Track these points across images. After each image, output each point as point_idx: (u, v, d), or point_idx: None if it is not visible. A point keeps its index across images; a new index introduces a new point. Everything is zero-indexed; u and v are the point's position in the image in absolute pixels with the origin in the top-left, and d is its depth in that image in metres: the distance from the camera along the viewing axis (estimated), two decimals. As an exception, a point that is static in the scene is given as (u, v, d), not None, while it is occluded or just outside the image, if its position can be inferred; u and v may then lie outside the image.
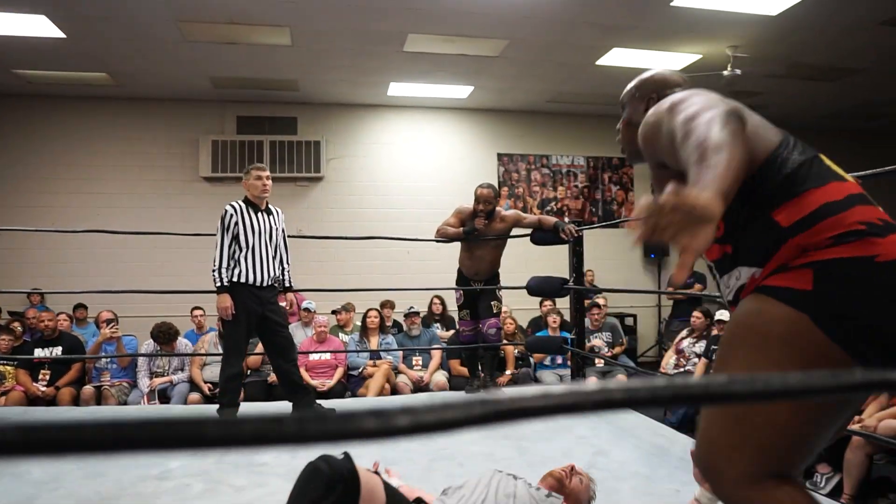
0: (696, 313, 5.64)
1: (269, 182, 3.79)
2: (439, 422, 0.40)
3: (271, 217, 3.85)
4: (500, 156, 8.62)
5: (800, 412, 1.09)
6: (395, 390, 5.32)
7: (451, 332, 7.24)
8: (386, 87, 7.60)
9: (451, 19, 5.72)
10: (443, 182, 8.40)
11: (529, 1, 5.35)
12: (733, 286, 1.29)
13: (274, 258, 3.81)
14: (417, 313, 6.06)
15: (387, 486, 1.85)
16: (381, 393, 5.08)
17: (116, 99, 7.63)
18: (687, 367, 5.59)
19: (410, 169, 8.39)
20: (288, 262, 3.96)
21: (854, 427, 3.80)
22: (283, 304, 3.92)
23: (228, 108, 7.95)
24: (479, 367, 4.52)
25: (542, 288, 4.32)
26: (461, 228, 4.27)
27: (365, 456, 1.93)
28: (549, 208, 8.71)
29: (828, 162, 1.29)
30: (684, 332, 5.83)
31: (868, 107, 8.62)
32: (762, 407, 1.10)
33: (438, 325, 7.11)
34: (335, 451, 1.80)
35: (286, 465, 2.79)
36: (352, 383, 5.40)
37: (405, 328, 6.03)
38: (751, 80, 7.10)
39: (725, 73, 6.52)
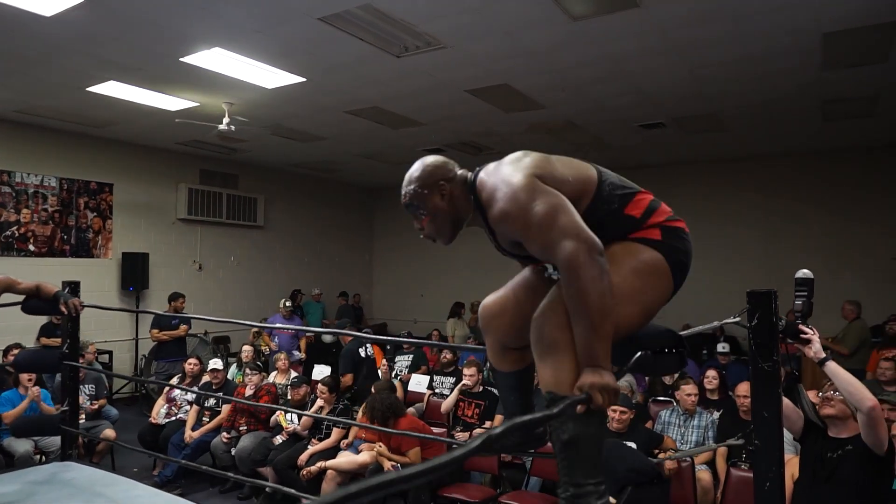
0: (192, 361, 5.81)
1: None
2: None
3: None
4: (-58, 165, 7.06)
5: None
6: None
7: None
8: None
9: None
10: None
11: (17, 14, 4.67)
12: None
13: None
14: None
15: None
16: None
17: None
18: (179, 416, 5.71)
19: None
20: None
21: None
22: None
23: None
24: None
25: (36, 363, 3.86)
26: None
27: None
28: (9, 233, 7.54)
29: None
30: (174, 381, 5.93)
31: (327, 162, 10.26)
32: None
33: None
34: None
35: None
36: None
37: None
38: (239, 132, 7.67)
39: (221, 126, 6.90)
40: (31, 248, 7.77)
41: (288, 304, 8.48)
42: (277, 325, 7.21)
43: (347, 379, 6.42)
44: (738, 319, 2.25)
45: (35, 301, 3.82)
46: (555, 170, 1.74)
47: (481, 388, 5.60)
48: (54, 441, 5.09)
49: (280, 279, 10.67)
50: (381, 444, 4.55)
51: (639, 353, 1.80)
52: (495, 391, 5.74)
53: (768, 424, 2.14)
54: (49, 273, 7.57)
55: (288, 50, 5.41)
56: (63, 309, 3.78)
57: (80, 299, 3.90)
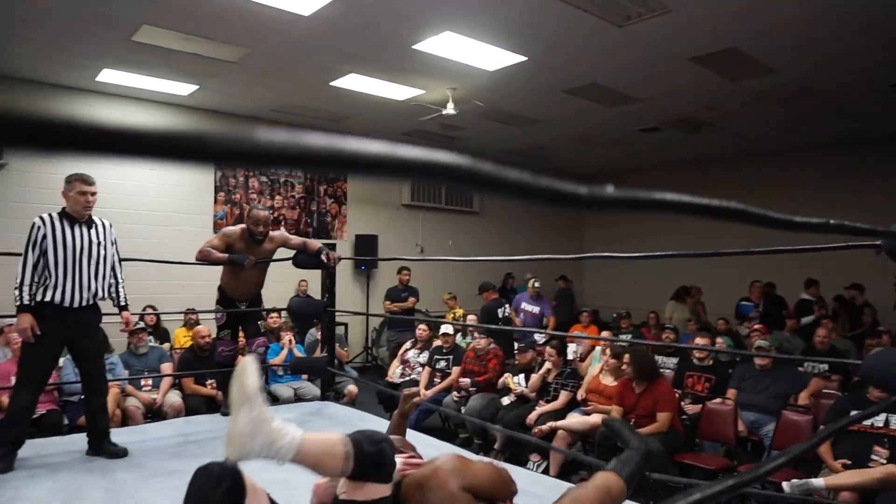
0: (421, 326, 6.24)
1: (94, 198, 3.40)
2: None
3: (93, 230, 3.42)
4: (218, 159, 8.29)
5: None
6: (125, 416, 4.84)
7: (166, 344, 6.82)
8: (96, 71, 6.78)
9: (197, 18, 5.43)
10: (154, 182, 7.79)
11: (282, 17, 5.35)
12: None
13: (96, 277, 3.37)
14: (144, 329, 5.57)
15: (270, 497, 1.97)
16: (111, 420, 4.58)
17: None
18: (412, 376, 6.16)
19: (117, 165, 7.57)
20: (121, 278, 3.63)
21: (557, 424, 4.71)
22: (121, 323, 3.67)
23: None
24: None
25: (304, 309, 4.42)
26: (226, 254, 4.14)
27: None
28: (266, 217, 8.64)
29: None
30: (408, 344, 6.40)
31: (539, 148, 10.41)
32: None
33: (152, 338, 6.61)
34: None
35: None
36: (69, 410, 4.76)
37: (130, 345, 5.49)
38: (459, 119, 8.08)
39: (444, 111, 7.32)
40: (282, 230, 8.83)
41: (537, 284, 8.44)
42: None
43: None
44: None
45: (303, 255, 4.37)
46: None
47: (711, 362, 5.37)
48: (310, 390, 5.77)
49: (493, 263, 11.02)
50: (618, 407, 4.55)
51: None
52: (728, 367, 5.48)
53: None
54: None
55: (512, 27, 5.59)
56: (324, 258, 4.29)
57: (337, 253, 4.40)
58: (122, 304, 3.63)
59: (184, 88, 7.35)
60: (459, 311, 8.51)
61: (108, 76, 6.90)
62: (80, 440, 3.54)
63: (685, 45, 5.97)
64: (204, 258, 4.14)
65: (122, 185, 7.54)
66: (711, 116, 8.32)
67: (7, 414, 3.35)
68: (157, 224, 7.76)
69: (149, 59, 6.40)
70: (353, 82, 7.08)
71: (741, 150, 10.24)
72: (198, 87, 7.29)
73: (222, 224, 8.22)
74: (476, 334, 5.89)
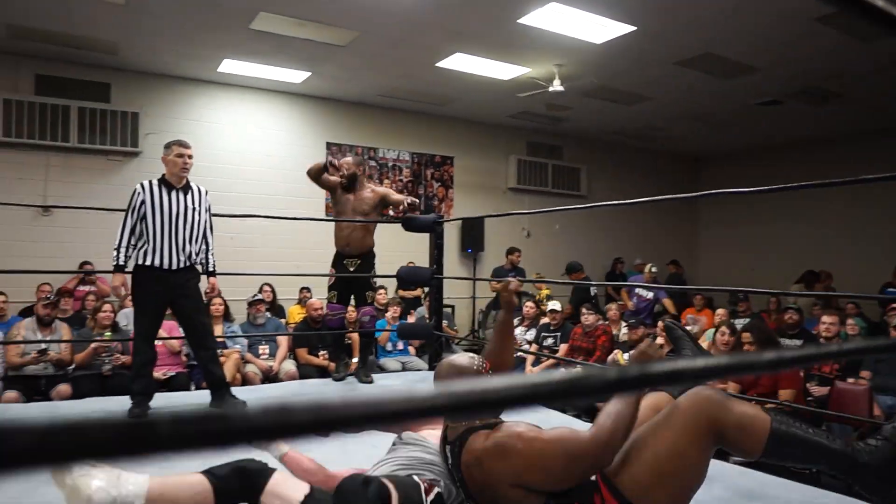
0: (528, 304, 6.18)
1: (191, 161, 3.63)
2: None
3: (189, 196, 3.63)
4: (328, 145, 8.59)
5: None
6: (244, 380, 5.13)
7: (282, 320, 7.13)
8: (218, 62, 7.19)
9: (309, 2, 5.62)
10: (269, 167, 8.17)
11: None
12: None
13: (190, 240, 3.58)
14: (262, 300, 5.87)
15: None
16: (231, 383, 4.88)
17: None
18: (518, 353, 6.13)
19: (236, 151, 8.02)
20: (212, 245, 3.80)
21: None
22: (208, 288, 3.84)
23: (24, 64, 6.95)
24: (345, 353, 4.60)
25: (412, 277, 4.50)
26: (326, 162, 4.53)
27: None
28: (375, 200, 8.87)
29: None
30: (515, 321, 6.36)
31: (648, 128, 10.04)
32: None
33: (268, 313, 6.94)
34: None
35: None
36: (195, 374, 5.10)
37: (249, 316, 5.82)
38: (565, 96, 7.92)
39: (551, 88, 7.21)
40: (391, 212, 9.01)
41: (654, 269, 8.06)
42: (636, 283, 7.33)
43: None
44: None
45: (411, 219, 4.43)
46: None
47: (841, 342, 4.98)
48: (418, 364, 5.86)
49: (601, 248, 10.75)
50: (734, 384, 4.33)
51: None
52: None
53: None
54: (404, 235, 8.70)
55: (620, -6, 5.42)
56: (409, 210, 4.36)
57: (416, 199, 4.45)
58: (211, 269, 3.78)
59: (297, 76, 7.65)
60: (545, 292, 8.38)
61: (228, 66, 7.29)
62: (204, 395, 3.78)
63: (811, 3, 5.54)
64: (311, 169, 4.55)
65: (240, 170, 7.96)
66: (839, 86, 7.69)
67: (133, 369, 3.62)
68: (273, 208, 8.10)
69: (265, 47, 6.70)
70: (458, 62, 7.10)
71: (872, 124, 9.35)
72: (310, 73, 7.55)
73: (331, 207, 8.50)
74: (584, 311, 5.76)
